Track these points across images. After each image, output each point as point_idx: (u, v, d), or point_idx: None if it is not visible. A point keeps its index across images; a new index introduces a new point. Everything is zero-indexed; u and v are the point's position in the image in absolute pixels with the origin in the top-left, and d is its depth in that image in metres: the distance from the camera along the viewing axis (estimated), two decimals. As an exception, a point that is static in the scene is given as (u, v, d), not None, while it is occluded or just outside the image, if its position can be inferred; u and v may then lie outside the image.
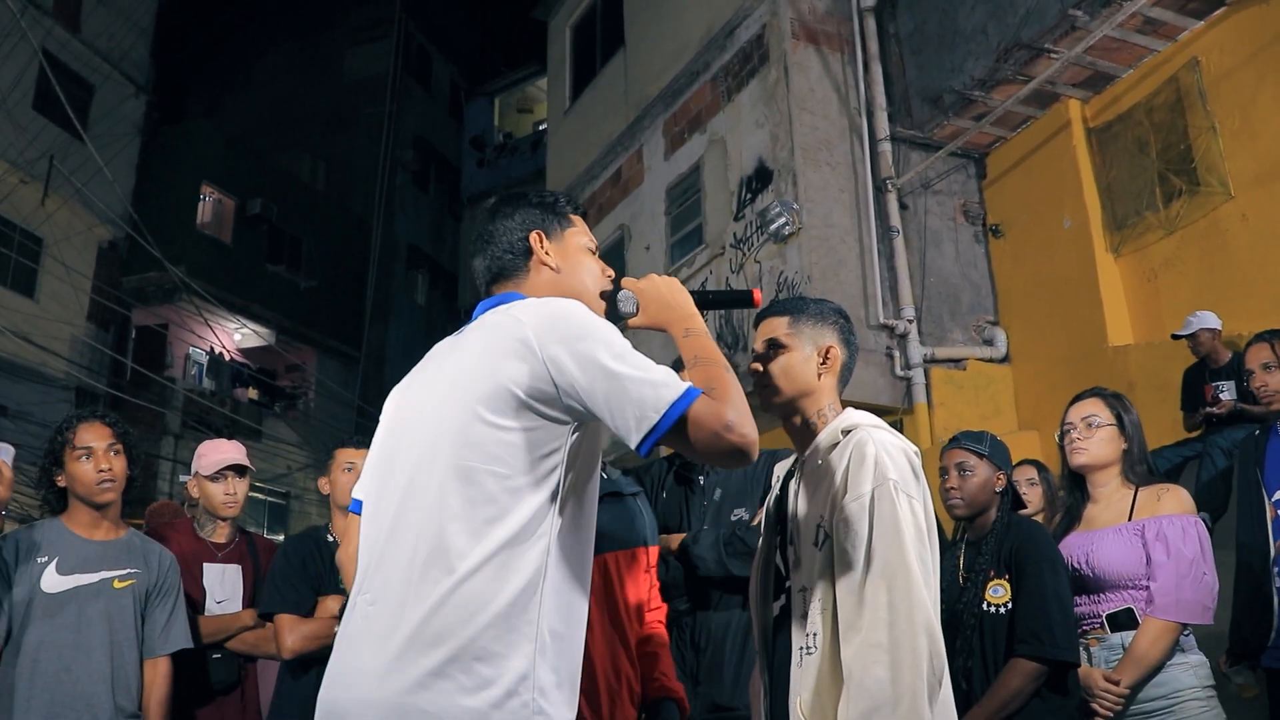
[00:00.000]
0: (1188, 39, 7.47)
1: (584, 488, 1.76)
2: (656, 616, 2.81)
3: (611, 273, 2.01)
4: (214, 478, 3.73)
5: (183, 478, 3.85)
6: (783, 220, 8.24)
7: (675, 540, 3.10)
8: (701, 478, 3.25)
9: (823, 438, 2.14)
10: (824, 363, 2.22)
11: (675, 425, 1.61)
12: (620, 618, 2.59)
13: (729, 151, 9.41)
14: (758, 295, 2.11)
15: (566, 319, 1.69)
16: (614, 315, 1.94)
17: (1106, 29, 7.25)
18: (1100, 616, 3.06)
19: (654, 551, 2.82)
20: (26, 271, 18.02)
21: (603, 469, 2.77)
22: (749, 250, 8.88)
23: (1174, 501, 3.08)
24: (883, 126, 8.69)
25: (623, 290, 1.95)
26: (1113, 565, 3.04)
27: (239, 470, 3.77)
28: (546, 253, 1.93)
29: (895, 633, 1.86)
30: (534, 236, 1.93)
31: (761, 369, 2.24)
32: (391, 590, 1.66)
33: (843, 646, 1.92)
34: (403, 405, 1.87)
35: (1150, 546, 2.99)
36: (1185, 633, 3.01)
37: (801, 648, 2.02)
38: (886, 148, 8.65)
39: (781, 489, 2.29)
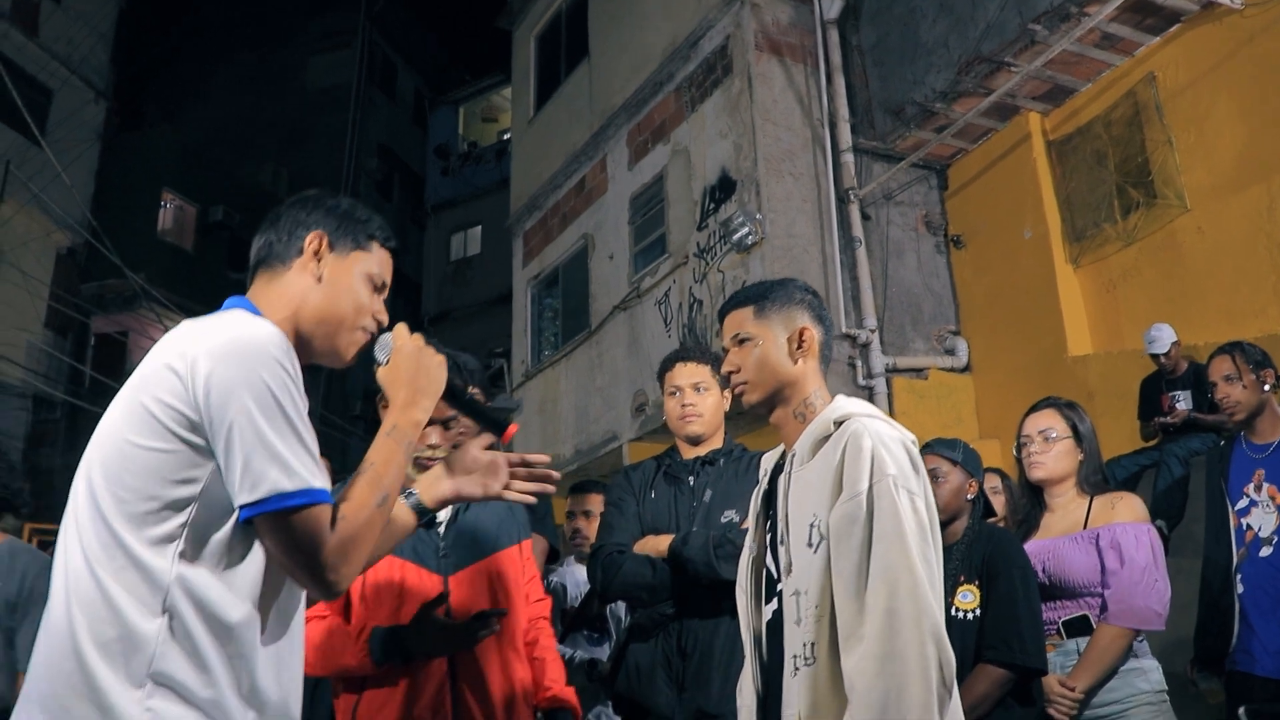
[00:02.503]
0: (1145, 54, 7.58)
1: (236, 528, 1.53)
2: (539, 610, 2.79)
3: (384, 318, 1.80)
4: None
5: None
6: (746, 230, 8.27)
7: (664, 542, 3.01)
8: (691, 478, 3.17)
9: (813, 428, 1.98)
10: (799, 346, 2.08)
11: (274, 518, 1.47)
12: (506, 620, 2.54)
13: (693, 161, 9.43)
14: (512, 430, 1.94)
15: (243, 353, 1.51)
16: (367, 354, 1.81)
17: (1065, 43, 7.33)
18: (1056, 623, 3.08)
19: (527, 545, 2.77)
20: (-18, 278, 17.74)
21: None
22: (712, 259, 8.90)
23: (1127, 510, 3.11)
24: (845, 138, 8.75)
25: (387, 336, 1.80)
26: (1068, 573, 3.06)
27: None
28: (318, 258, 1.74)
29: (900, 641, 1.71)
30: (314, 236, 1.75)
31: (736, 368, 2.10)
32: (44, 620, 1.54)
33: (843, 656, 1.78)
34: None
35: (1104, 554, 3.02)
36: (1139, 639, 3.04)
37: (796, 656, 1.87)
38: (849, 159, 8.70)
39: (770, 484, 2.14)
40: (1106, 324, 7.81)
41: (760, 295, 2.14)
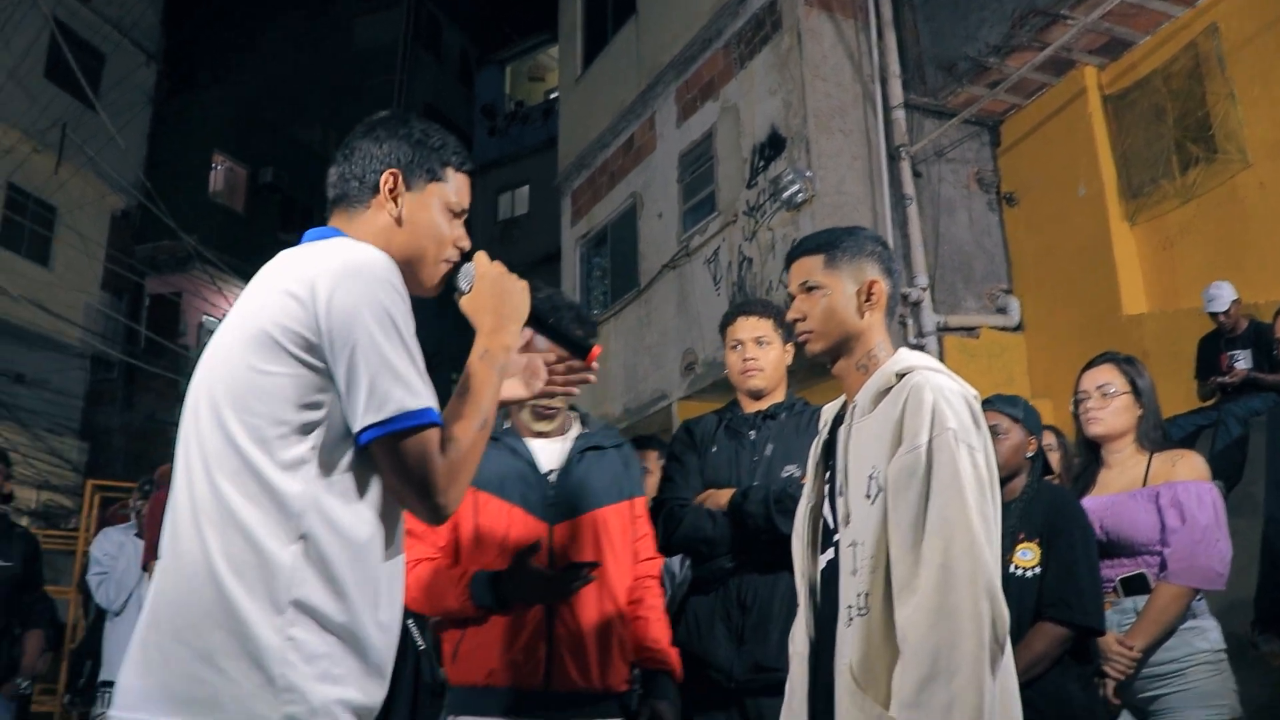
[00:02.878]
0: (1206, 4, 7.40)
1: (364, 454, 1.54)
2: (647, 570, 2.75)
3: (467, 243, 1.79)
4: None
5: None
6: (796, 188, 8.21)
7: (724, 496, 3.00)
8: (752, 433, 3.15)
9: (875, 380, 1.97)
10: (868, 300, 2.05)
11: (393, 439, 1.48)
12: (607, 575, 2.54)
13: (742, 119, 9.36)
14: (595, 351, 1.98)
15: (356, 272, 1.52)
16: (450, 283, 1.79)
17: (1124, -6, 7.18)
18: (1114, 581, 3.06)
19: (639, 502, 2.75)
20: (41, 240, 18.06)
21: (582, 421, 2.75)
22: (761, 218, 8.85)
23: (1189, 468, 3.07)
24: (896, 94, 8.63)
25: (469, 265, 1.79)
26: (1127, 530, 3.04)
27: None
28: (395, 200, 1.72)
29: (955, 595, 1.71)
30: (388, 176, 1.72)
31: (803, 316, 2.08)
32: (164, 552, 1.54)
33: (896, 609, 1.78)
34: (207, 347, 1.68)
35: (1165, 512, 2.99)
36: (1198, 598, 3.01)
37: (850, 607, 1.87)
38: (900, 115, 8.59)
39: (830, 435, 2.12)
40: (1162, 282, 7.69)
41: (831, 244, 2.11)
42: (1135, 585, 3.03)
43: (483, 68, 25.24)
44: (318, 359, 1.50)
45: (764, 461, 3.10)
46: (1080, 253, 8.07)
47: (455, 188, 1.78)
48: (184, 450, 1.57)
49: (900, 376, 1.94)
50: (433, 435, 1.51)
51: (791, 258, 2.16)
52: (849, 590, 1.88)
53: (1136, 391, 3.19)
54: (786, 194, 8.29)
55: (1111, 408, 3.18)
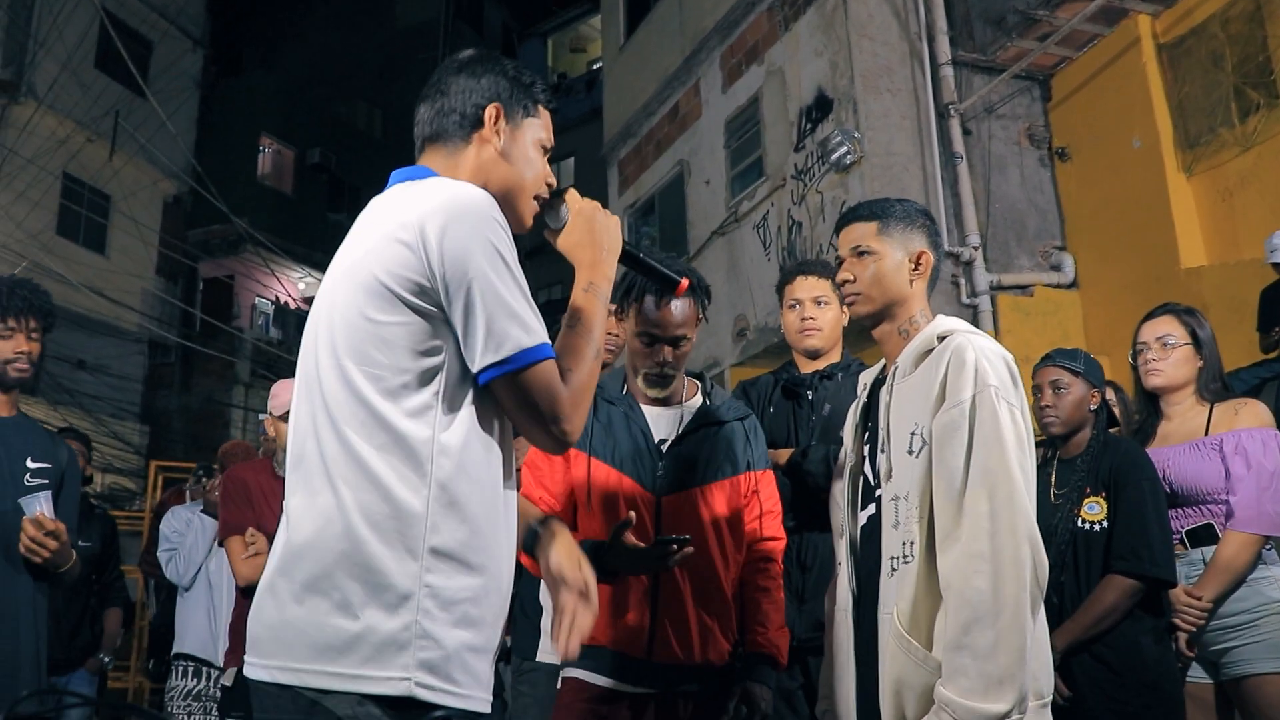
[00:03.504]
0: (1265, -55, 7.21)
1: (480, 387, 1.57)
2: (765, 550, 2.65)
3: (554, 181, 1.82)
4: (284, 417, 3.73)
5: (261, 416, 3.90)
6: (844, 149, 8.13)
7: (783, 455, 3.01)
8: (810, 393, 3.16)
9: (916, 343, 2.06)
10: (915, 269, 2.14)
11: (514, 376, 1.52)
12: (710, 551, 2.51)
13: (787, 82, 9.28)
14: (684, 284, 2.07)
15: (463, 212, 1.53)
16: (541, 219, 1.82)
17: (1177, -61, 7.01)
18: (1180, 532, 3.03)
19: (759, 476, 2.66)
20: (97, 228, 18.39)
21: (704, 393, 2.70)
22: (810, 181, 8.79)
23: (1252, 415, 3.04)
24: (944, 50, 8.50)
25: (564, 201, 1.81)
26: (1191, 480, 3.01)
27: None
28: (498, 131, 1.73)
29: (997, 541, 1.79)
30: (491, 109, 1.73)
31: (852, 278, 2.16)
32: (292, 506, 1.58)
33: (939, 556, 1.87)
34: (318, 296, 1.70)
35: (1229, 460, 2.96)
36: (1268, 546, 2.97)
37: (895, 557, 1.95)
38: (948, 72, 8.46)
39: (870, 397, 2.22)
40: (1221, 234, 7.54)
41: (884, 212, 2.18)
42: (1202, 536, 3.00)
43: (524, 41, 25.24)
44: (432, 304, 1.53)
45: (821, 421, 3.10)
46: (1136, 206, 7.93)
47: (544, 123, 1.82)
48: (307, 403, 1.61)
49: (941, 339, 2.02)
50: (551, 368, 1.54)
51: (843, 223, 2.23)
52: (892, 542, 1.98)
53: (1197, 342, 3.15)
54: (835, 156, 8.22)
55: (1172, 359, 3.14)
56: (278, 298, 21.28)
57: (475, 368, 1.53)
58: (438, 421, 1.54)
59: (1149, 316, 3.26)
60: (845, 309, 3.19)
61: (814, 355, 3.21)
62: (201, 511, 5.23)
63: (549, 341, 1.56)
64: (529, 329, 1.52)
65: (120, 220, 18.49)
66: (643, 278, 2.36)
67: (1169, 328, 3.17)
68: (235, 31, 24.89)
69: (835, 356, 3.23)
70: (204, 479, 5.91)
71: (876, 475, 2.09)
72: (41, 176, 16.83)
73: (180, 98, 19.43)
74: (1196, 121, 7.61)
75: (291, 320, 21.78)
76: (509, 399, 1.55)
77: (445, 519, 1.52)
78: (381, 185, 1.77)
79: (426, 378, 1.54)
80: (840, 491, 2.25)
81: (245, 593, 3.69)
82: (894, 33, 8.60)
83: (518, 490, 1.70)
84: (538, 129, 1.80)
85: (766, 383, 3.30)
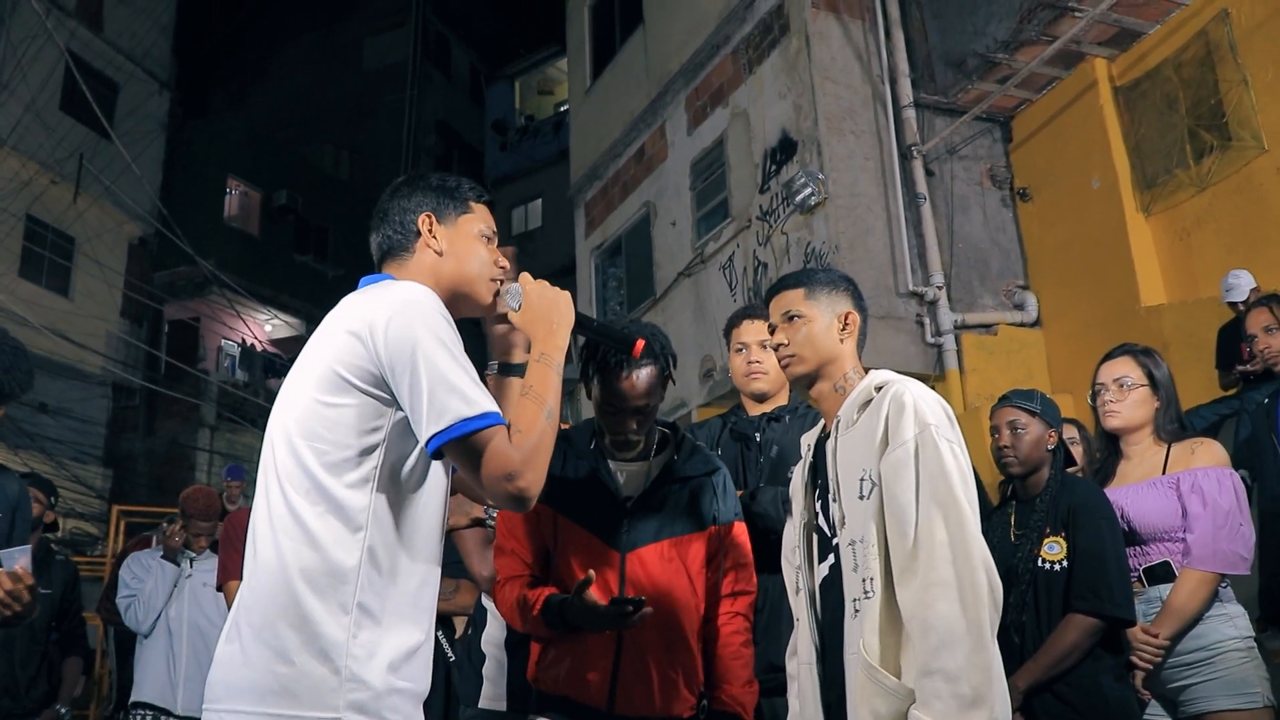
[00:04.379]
0: (1216, -9, 7.37)
1: (415, 463, 1.79)
2: (734, 606, 2.64)
3: (506, 263, 2.02)
4: None
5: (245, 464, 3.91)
6: (808, 191, 8.20)
7: None
8: (757, 435, 3.17)
9: (856, 395, 2.17)
10: (844, 328, 2.27)
11: (460, 442, 1.66)
12: (675, 606, 2.51)
13: (752, 124, 9.37)
14: (639, 345, 2.19)
15: (405, 306, 1.73)
16: (499, 305, 2.00)
17: (1131, -15, 7.15)
18: (1137, 570, 3.05)
19: (728, 530, 2.66)
20: (61, 270, 18.23)
21: (675, 445, 2.71)
22: (775, 222, 8.85)
23: (1208, 454, 3.07)
24: (906, 93, 8.62)
25: (514, 285, 1.98)
26: (1148, 518, 3.03)
27: None
28: (434, 235, 1.95)
29: (956, 567, 1.88)
30: (423, 219, 1.96)
31: (786, 341, 2.27)
32: (248, 565, 1.76)
33: (898, 590, 1.95)
34: (282, 387, 1.92)
35: (1186, 499, 2.98)
36: (1224, 584, 3.00)
37: (857, 598, 2.03)
38: (911, 114, 8.58)
39: (815, 455, 2.31)
40: (1180, 273, 7.64)
41: (809, 279, 2.33)
42: (1160, 574, 3.02)
43: (492, 83, 25.38)
44: (379, 388, 1.73)
45: (769, 463, 3.12)
46: (1096, 246, 8.03)
47: (480, 216, 2.02)
48: (263, 476, 1.80)
49: (879, 389, 2.14)
50: (497, 433, 1.69)
51: (771, 293, 2.38)
52: (853, 585, 2.06)
53: (1154, 383, 3.18)
54: (800, 197, 8.28)
55: (1129, 400, 3.18)
56: (244, 340, 21.10)
57: (422, 439, 1.69)
58: (374, 492, 1.73)
59: (1107, 358, 3.30)
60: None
61: (761, 398, 3.23)
62: (162, 557, 5.16)
63: (495, 411, 1.70)
64: (469, 400, 1.67)
65: (84, 262, 18.33)
66: (602, 348, 2.43)
67: (1126, 369, 3.21)
68: (202, 74, 24.87)
69: (783, 399, 3.24)
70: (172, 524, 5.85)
71: (832, 526, 2.17)
72: (4, 218, 16.68)
73: (146, 140, 19.35)
74: (1153, 162, 7.74)
75: (258, 363, 21.61)
76: (461, 464, 1.71)
77: (375, 579, 1.71)
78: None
79: (366, 453, 1.73)
80: (793, 550, 2.33)
81: None
82: (857, 75, 8.71)
83: (440, 554, 1.88)
84: (475, 223, 2.00)
85: (715, 425, 3.32)
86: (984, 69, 8.31)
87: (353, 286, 1.94)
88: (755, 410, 3.24)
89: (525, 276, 2.00)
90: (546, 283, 2.00)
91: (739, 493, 2.99)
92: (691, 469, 2.66)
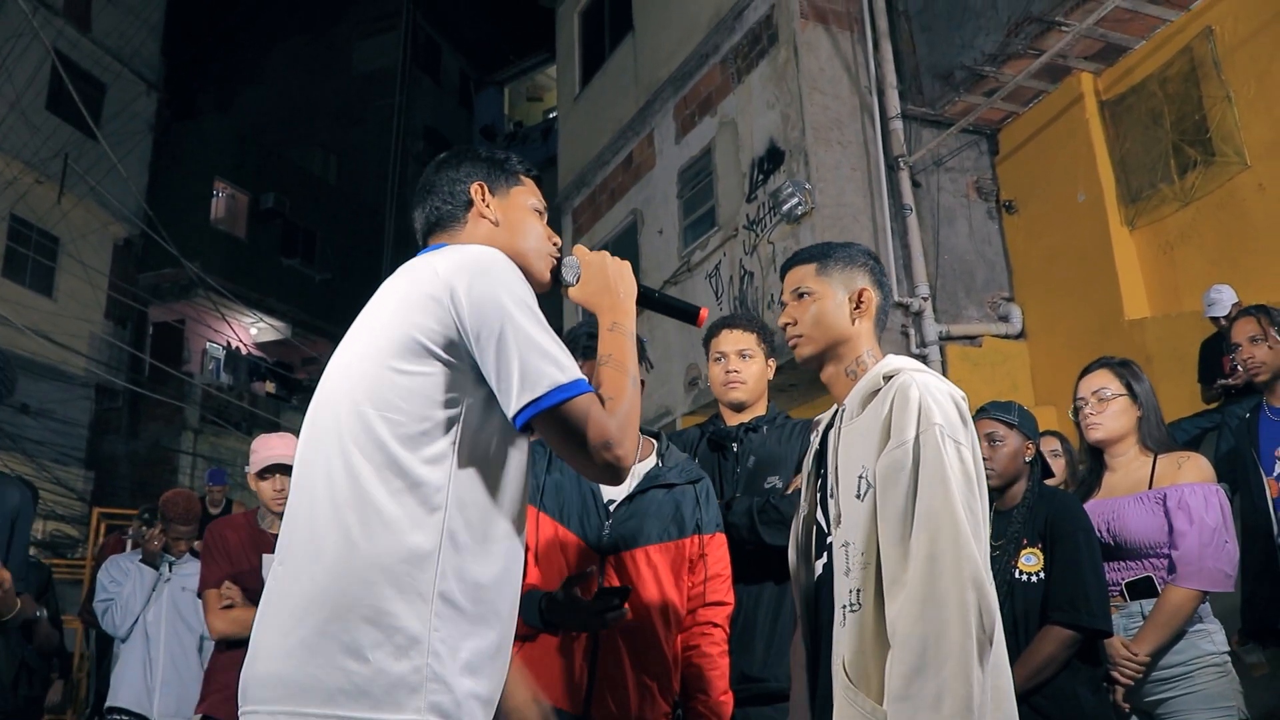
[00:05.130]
0: (1201, 8, 7.41)
1: (496, 441, 1.65)
2: (710, 615, 2.63)
3: (558, 240, 1.93)
4: (262, 475, 3.75)
5: (247, 468, 3.89)
6: (795, 200, 8.22)
7: None
8: (735, 445, 3.18)
9: (863, 384, 2.02)
10: (857, 307, 2.11)
11: (554, 412, 1.55)
12: (651, 612, 2.50)
13: (740, 133, 9.39)
14: (704, 314, 2.07)
15: (482, 267, 1.62)
16: (555, 279, 1.90)
17: (1119, 0, 7.19)
18: (1119, 584, 3.05)
19: (708, 540, 2.64)
20: (44, 271, 18.13)
21: (659, 453, 2.71)
22: (762, 231, 8.86)
23: (1194, 470, 3.08)
24: (894, 104, 8.65)
25: (571, 258, 1.90)
26: (1134, 533, 3.03)
27: (286, 468, 3.73)
28: (487, 205, 1.85)
29: (940, 586, 1.72)
30: (475, 187, 1.86)
31: (794, 320, 2.13)
32: (295, 551, 1.59)
33: (887, 603, 1.81)
34: (332, 360, 1.77)
35: (1172, 515, 2.99)
36: (1203, 599, 3.01)
37: (845, 605, 1.89)
38: (898, 126, 8.60)
39: (821, 442, 2.16)
40: (1164, 286, 7.68)
41: (823, 254, 2.17)
42: (1141, 589, 3.03)
43: (481, 89, 25.38)
44: (459, 356, 1.60)
45: (746, 473, 3.12)
46: (1081, 259, 8.07)
47: (531, 189, 1.94)
48: (322, 451, 1.63)
49: (887, 378, 1.98)
50: (591, 400, 1.58)
51: (786, 267, 2.22)
52: (843, 590, 1.91)
53: (1133, 394, 3.20)
54: (786, 207, 8.30)
55: (1109, 412, 3.19)
56: (229, 343, 21.02)
57: (511, 410, 1.57)
58: (453, 470, 1.59)
59: (1085, 372, 3.32)
60: (771, 362, 3.23)
61: (738, 408, 3.23)
62: (140, 561, 5.12)
63: (584, 378, 1.60)
64: (562, 367, 1.57)
65: (68, 263, 18.24)
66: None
67: (1104, 381, 3.22)
68: (190, 75, 24.78)
69: (760, 409, 3.24)
70: (144, 528, 5.80)
71: (828, 522, 2.03)
72: (-13, 218, 16.61)
73: (133, 140, 19.28)
74: (1138, 177, 7.78)
75: (242, 366, 21.53)
76: (554, 434, 1.59)
77: (454, 565, 1.56)
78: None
79: (445, 427, 1.60)
80: (794, 542, 2.20)
81: (220, 645, 3.73)
82: (844, 86, 8.73)
83: (523, 541, 1.74)
84: (526, 195, 1.91)
85: (692, 435, 3.32)
86: (971, 82, 8.34)
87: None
88: (733, 420, 3.25)
89: (580, 249, 1.92)
90: (606, 253, 1.91)
91: None
92: (675, 476, 2.66)
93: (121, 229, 19.42)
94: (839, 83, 8.72)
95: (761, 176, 8.95)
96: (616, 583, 2.49)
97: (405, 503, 1.55)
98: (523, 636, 2.49)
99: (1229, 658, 3.00)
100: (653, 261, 10.78)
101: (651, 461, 2.69)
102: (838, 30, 8.86)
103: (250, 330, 21.97)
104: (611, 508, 2.58)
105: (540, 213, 1.92)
